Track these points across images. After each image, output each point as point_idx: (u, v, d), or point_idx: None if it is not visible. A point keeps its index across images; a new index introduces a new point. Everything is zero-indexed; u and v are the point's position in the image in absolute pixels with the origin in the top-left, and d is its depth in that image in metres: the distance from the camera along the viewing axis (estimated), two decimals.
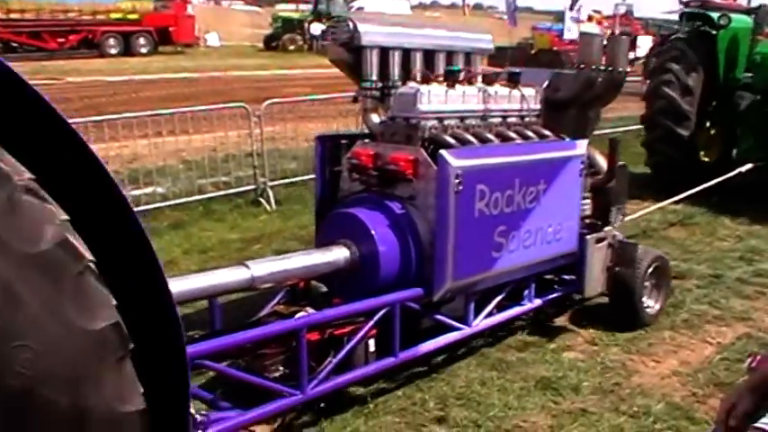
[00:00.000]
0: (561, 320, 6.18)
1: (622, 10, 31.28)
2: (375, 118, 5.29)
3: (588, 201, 5.90)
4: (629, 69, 5.79)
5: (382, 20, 5.66)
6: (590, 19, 34.58)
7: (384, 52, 5.21)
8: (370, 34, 5.14)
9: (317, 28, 41.43)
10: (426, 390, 5.03)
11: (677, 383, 5.27)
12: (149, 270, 2.20)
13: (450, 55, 5.53)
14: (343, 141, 5.44)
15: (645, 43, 33.59)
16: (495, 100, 5.41)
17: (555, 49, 31.09)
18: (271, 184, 9.69)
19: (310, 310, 4.70)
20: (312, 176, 9.97)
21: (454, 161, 4.69)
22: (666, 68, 9.98)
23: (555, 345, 5.74)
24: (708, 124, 10.70)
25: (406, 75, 5.30)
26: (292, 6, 51.45)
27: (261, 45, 41.83)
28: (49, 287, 1.87)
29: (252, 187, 9.65)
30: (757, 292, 6.99)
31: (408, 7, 54.13)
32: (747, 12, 11.43)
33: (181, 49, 36.18)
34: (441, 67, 5.42)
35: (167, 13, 35.20)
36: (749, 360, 2.52)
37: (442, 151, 4.69)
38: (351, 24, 5.06)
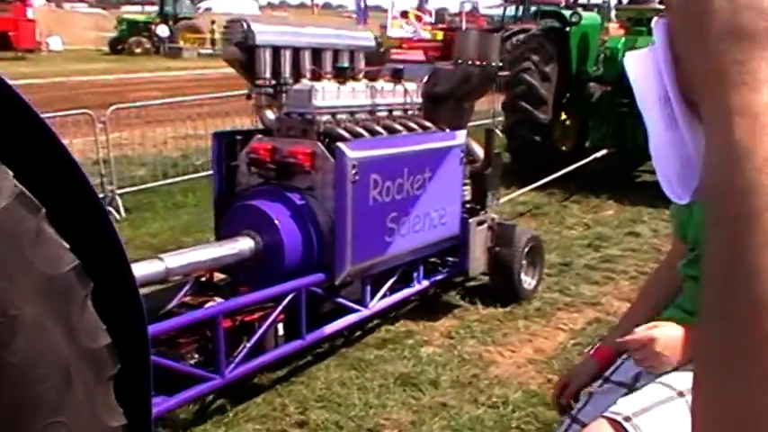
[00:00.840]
0: (417, 315, 6.38)
1: (468, 7, 32.12)
2: (270, 114, 5.53)
3: (467, 187, 6.31)
4: (500, 64, 6.25)
5: (271, 21, 5.89)
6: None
7: (276, 51, 5.46)
8: (264, 34, 5.38)
9: (163, 30, 40.95)
10: (286, 394, 5.11)
11: (533, 371, 5.47)
12: (117, 264, 2.36)
13: (336, 53, 5.81)
14: (238, 137, 5.64)
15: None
16: (382, 95, 5.76)
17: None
18: (119, 192, 9.46)
19: (219, 300, 4.96)
20: (161, 183, 10.34)
21: (351, 153, 5.02)
22: (525, 57, 10.73)
23: (412, 340, 5.87)
24: (563, 116, 11.47)
25: (297, 72, 5.55)
26: (138, 8, 50.35)
27: (106, 48, 40.76)
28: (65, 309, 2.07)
29: (100, 196, 9.58)
30: (605, 277, 7.34)
31: (257, 7, 53.95)
32: (597, 8, 12.37)
33: (22, 54, 34.62)
34: (328, 65, 5.71)
35: (6, 17, 33.57)
36: (590, 348, 2.81)
37: (340, 144, 5.01)
38: (245, 25, 5.29)
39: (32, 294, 2.05)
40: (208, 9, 51.94)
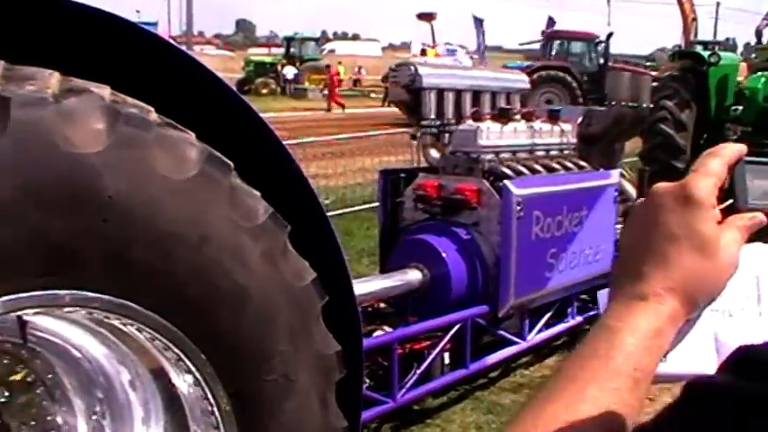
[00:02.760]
0: (551, 361, 6.39)
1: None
2: (435, 153, 5.81)
3: (620, 225, 6.32)
4: (651, 105, 6.44)
5: (435, 64, 6.21)
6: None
7: (440, 93, 5.77)
8: (430, 77, 5.69)
9: (290, 71, 42.10)
10: None
11: None
12: (334, 265, 2.57)
13: (494, 94, 6.10)
14: (403, 175, 5.92)
15: None
16: (540, 135, 6.01)
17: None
18: None
19: (387, 329, 5.18)
20: None
21: (516, 190, 5.25)
22: (661, 106, 10.73)
23: None
24: None
25: (459, 113, 5.86)
26: (264, 50, 51.99)
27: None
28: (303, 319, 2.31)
29: None
30: None
31: (379, 49, 55.12)
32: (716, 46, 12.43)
33: None
34: (487, 106, 6.01)
35: None
36: None
37: (507, 181, 5.27)
38: (413, 69, 5.59)
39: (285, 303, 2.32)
40: (332, 51, 53.23)
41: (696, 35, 18.13)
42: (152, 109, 2.02)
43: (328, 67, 39.06)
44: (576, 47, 24.34)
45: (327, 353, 2.47)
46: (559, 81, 20.81)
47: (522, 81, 6.44)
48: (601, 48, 22.00)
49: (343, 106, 34.70)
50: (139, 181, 1.89)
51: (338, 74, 39.55)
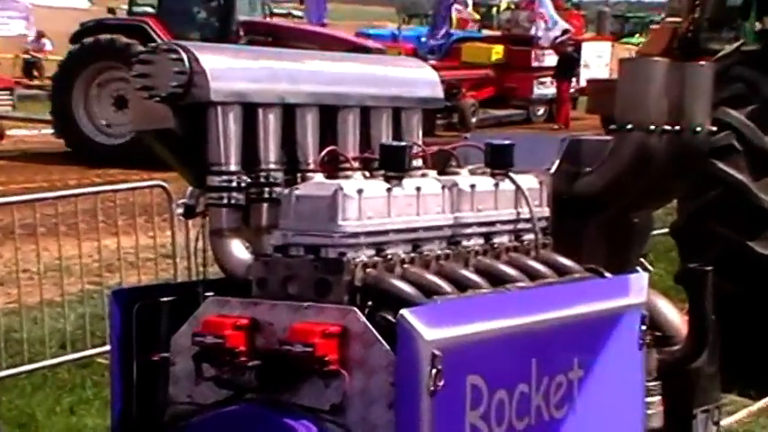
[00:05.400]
0: None
1: None
2: (236, 247, 3.30)
3: (655, 398, 3.92)
4: (713, 128, 3.86)
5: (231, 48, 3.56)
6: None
7: (249, 110, 3.31)
8: (224, 75, 3.27)
9: None
10: None
11: None
12: None
13: (367, 113, 3.59)
14: (164, 300, 3.44)
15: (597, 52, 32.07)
16: (473, 204, 3.51)
17: None
18: None
19: None
20: None
21: (426, 330, 2.92)
22: (724, 123, 6.94)
23: None
24: None
25: (293, 156, 3.41)
26: None
27: None
28: None
29: None
30: None
31: None
32: None
33: None
34: (352, 139, 3.52)
35: None
36: None
37: (405, 311, 2.91)
38: (184, 56, 3.14)
39: None
40: None
41: None
42: None
43: None
44: None
45: None
46: None
47: (428, 83, 3.92)
48: None
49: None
50: None
51: None
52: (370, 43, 23.67)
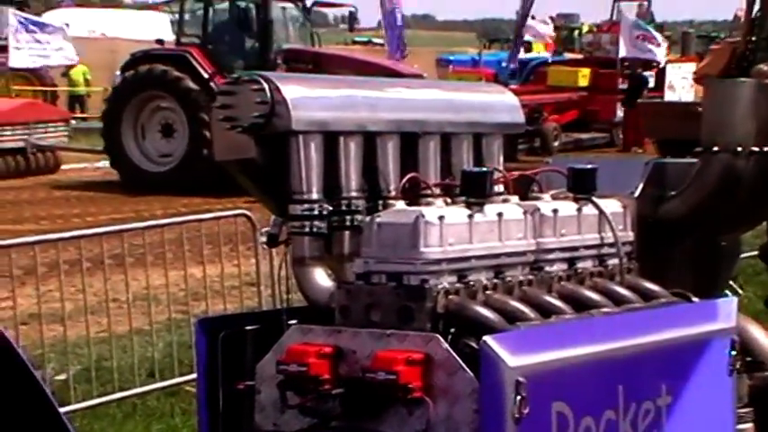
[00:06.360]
0: None
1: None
2: (320, 276, 3.34)
3: (748, 425, 3.88)
4: None
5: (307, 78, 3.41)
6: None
7: (330, 139, 3.38)
8: (307, 105, 3.33)
9: None
10: None
11: None
12: None
13: (449, 140, 3.65)
14: (248, 328, 3.51)
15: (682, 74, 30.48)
16: (555, 229, 3.49)
17: None
18: None
19: None
20: None
21: (510, 357, 2.90)
22: None
23: None
24: None
25: (374, 184, 3.46)
26: None
27: None
28: None
29: None
30: None
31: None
32: None
33: None
34: (433, 167, 3.55)
35: None
36: None
37: (489, 338, 2.89)
38: (265, 86, 3.34)
39: None
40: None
41: None
42: None
43: None
44: None
45: None
46: None
47: (508, 107, 3.92)
48: None
49: None
50: None
51: None
52: (407, 69, 23.34)
